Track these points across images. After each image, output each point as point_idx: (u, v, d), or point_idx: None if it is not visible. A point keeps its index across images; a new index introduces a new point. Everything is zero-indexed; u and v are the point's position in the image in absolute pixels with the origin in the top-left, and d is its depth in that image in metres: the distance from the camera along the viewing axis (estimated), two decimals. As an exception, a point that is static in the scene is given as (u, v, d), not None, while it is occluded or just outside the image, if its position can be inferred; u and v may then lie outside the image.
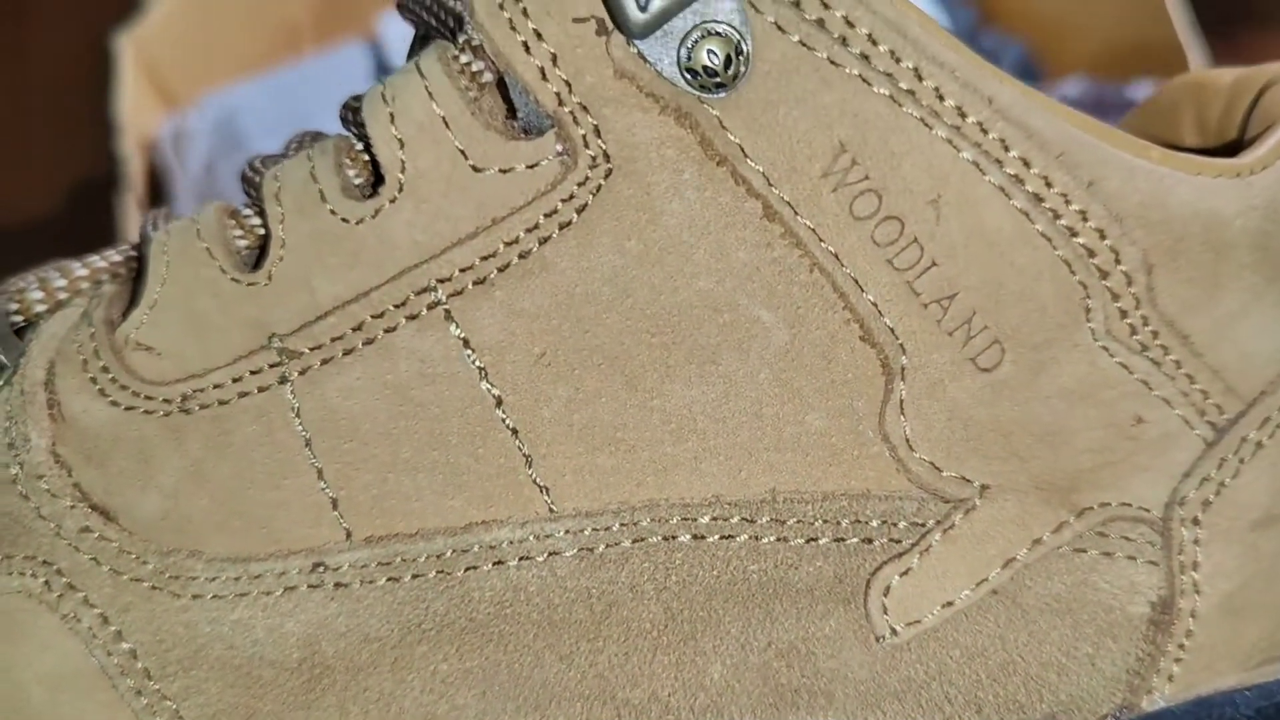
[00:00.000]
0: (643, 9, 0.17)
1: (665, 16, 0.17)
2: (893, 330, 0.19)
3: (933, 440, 0.19)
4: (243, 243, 0.21)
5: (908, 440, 0.19)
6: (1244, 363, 0.20)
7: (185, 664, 0.19)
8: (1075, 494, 0.20)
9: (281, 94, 0.44)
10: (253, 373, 0.20)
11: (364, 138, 0.20)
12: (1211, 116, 0.23)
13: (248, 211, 0.21)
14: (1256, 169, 0.20)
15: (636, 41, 0.18)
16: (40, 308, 0.22)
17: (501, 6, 0.18)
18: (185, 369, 0.20)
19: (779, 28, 0.18)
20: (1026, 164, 0.18)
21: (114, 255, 0.23)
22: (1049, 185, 0.18)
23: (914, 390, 0.19)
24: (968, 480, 0.19)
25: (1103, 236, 0.19)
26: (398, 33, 0.44)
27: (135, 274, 0.23)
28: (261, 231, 0.21)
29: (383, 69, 0.44)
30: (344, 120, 0.21)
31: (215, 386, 0.20)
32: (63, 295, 0.22)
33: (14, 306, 0.22)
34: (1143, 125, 0.25)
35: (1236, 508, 0.20)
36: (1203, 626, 0.20)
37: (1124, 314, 0.19)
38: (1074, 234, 0.19)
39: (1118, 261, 0.19)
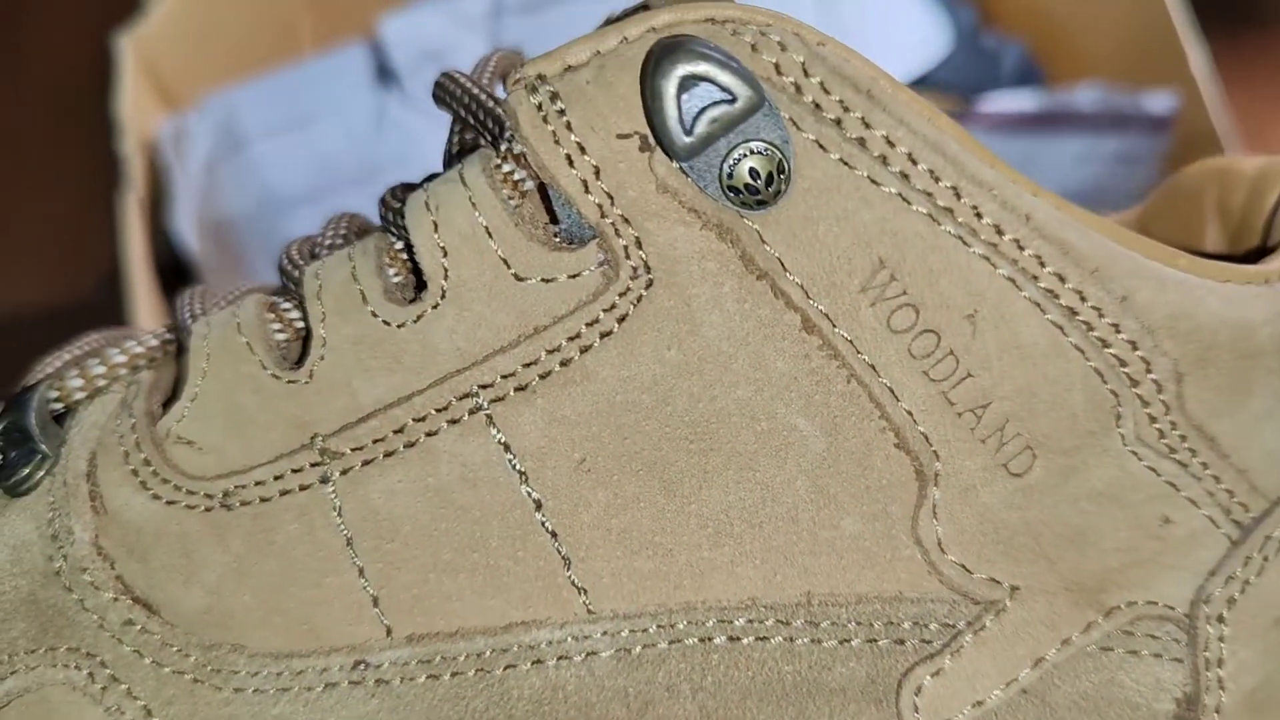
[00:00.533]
0: (688, 133, 0.18)
1: (709, 141, 0.18)
2: (927, 438, 0.19)
3: (964, 543, 0.20)
4: (281, 336, 0.21)
5: (940, 543, 0.19)
6: (1269, 462, 0.20)
7: (228, 758, 0.20)
8: (1103, 594, 0.20)
9: (282, 94, 0.43)
10: (294, 471, 0.20)
11: (405, 239, 0.20)
12: (1235, 203, 0.24)
13: (286, 305, 0.21)
14: (1284, 275, 0.20)
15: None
16: (79, 395, 0.22)
17: (546, 120, 0.19)
18: (227, 465, 0.20)
19: (820, 146, 0.18)
20: (1061, 279, 0.19)
21: (151, 340, 0.23)
22: (1083, 299, 0.19)
23: (947, 495, 0.19)
24: (998, 582, 0.20)
25: (1135, 347, 0.19)
26: (397, 34, 0.44)
27: (173, 356, 0.23)
28: (300, 325, 0.21)
29: (382, 70, 0.44)
30: (384, 218, 0.21)
31: (257, 483, 0.20)
32: (101, 382, 0.22)
33: (54, 394, 0.22)
34: (1166, 205, 0.25)
35: (1260, 605, 0.21)
36: (1226, 722, 0.20)
37: (1153, 420, 0.19)
38: (1106, 345, 0.19)
39: (1149, 371, 0.19)
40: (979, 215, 0.18)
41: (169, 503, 0.20)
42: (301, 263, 0.22)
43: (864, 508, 0.19)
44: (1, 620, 0.21)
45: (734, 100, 0.17)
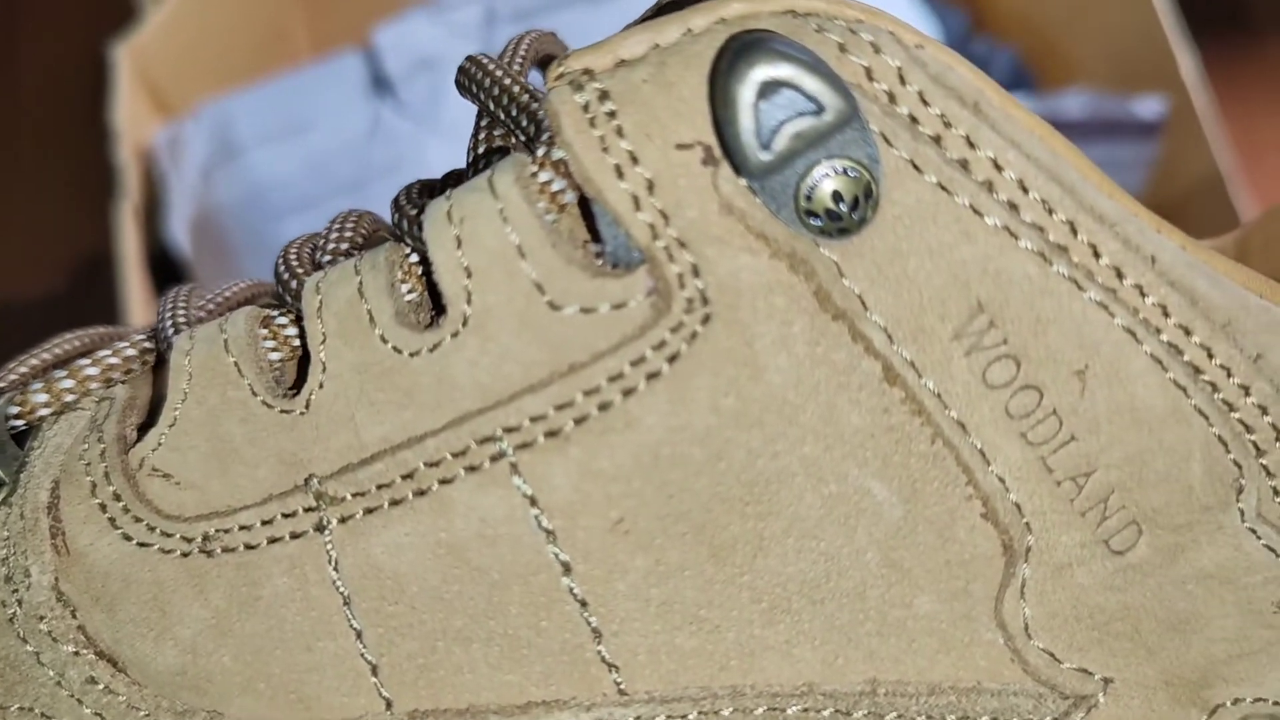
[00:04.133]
0: (765, 148, 0.15)
1: (790, 159, 0.15)
2: (1019, 508, 0.17)
3: (1054, 628, 0.17)
4: (275, 355, 0.18)
5: (1026, 627, 0.17)
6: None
7: (200, 840, 0.17)
8: (1207, 689, 0.18)
9: (277, 102, 0.43)
10: (285, 515, 0.17)
11: (422, 252, 0.18)
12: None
13: (282, 320, 0.19)
14: None
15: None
16: (45, 411, 0.19)
17: (593, 123, 0.16)
18: (208, 504, 0.18)
19: (914, 167, 0.16)
20: (1187, 332, 0.16)
21: (128, 349, 0.20)
22: (1210, 356, 0.16)
23: (1038, 573, 0.17)
24: (1089, 673, 0.17)
25: (1264, 412, 0.16)
26: (391, 42, 0.44)
27: (153, 368, 0.20)
28: (298, 344, 0.19)
29: (377, 78, 0.44)
30: (397, 224, 0.18)
31: (242, 528, 0.18)
32: (69, 398, 0.19)
33: (15, 410, 0.19)
34: (1268, 234, 0.22)
35: (1380, 703, 0.18)
36: (1337, 835, 0.18)
37: (1276, 493, 0.17)
38: (1232, 409, 0.16)
39: (1278, 439, 0.17)
40: (1097, 255, 0.16)
41: (141, 545, 0.18)
42: (300, 270, 0.19)
43: (942, 585, 0.17)
44: (-55, 672, 0.18)
45: (821, 111, 0.15)
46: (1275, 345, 0.16)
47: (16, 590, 0.18)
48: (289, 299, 0.19)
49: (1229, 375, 0.16)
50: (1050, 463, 0.16)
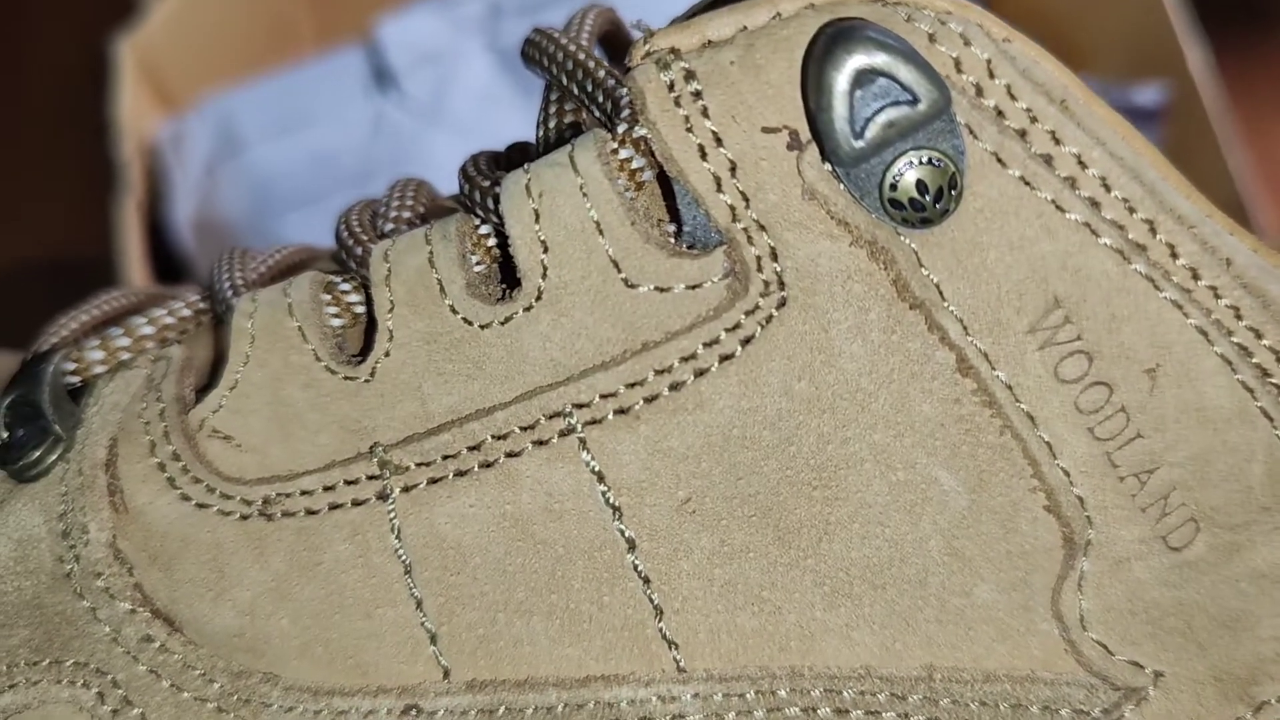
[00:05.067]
0: (858, 136, 0.15)
1: (882, 146, 0.15)
2: (1082, 502, 0.17)
3: (1109, 621, 0.17)
4: (337, 322, 0.18)
5: (1082, 619, 0.17)
6: None
7: (252, 801, 0.17)
8: (1254, 686, 0.18)
9: (279, 97, 0.43)
10: (348, 483, 0.17)
11: (494, 224, 0.17)
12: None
13: (345, 286, 0.19)
14: None
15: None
16: (100, 369, 0.19)
17: (678, 102, 0.16)
18: (269, 468, 0.18)
19: (999, 160, 0.16)
20: (1258, 335, 0.16)
21: (182, 310, 0.20)
22: (1279, 360, 0.16)
23: (1096, 567, 0.17)
24: (1140, 666, 0.17)
25: (1327, 417, 0.17)
26: (394, 36, 0.44)
27: (208, 328, 0.20)
28: (360, 310, 0.19)
29: (380, 73, 0.44)
30: (467, 196, 0.18)
31: (303, 493, 0.18)
32: (125, 355, 0.19)
33: (71, 366, 0.19)
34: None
35: None
36: (1370, 833, 0.18)
37: (1331, 496, 0.17)
38: (1296, 412, 0.17)
39: (1338, 444, 0.17)
40: (1175, 255, 0.16)
41: (200, 505, 0.18)
42: (364, 237, 0.19)
43: (1002, 575, 0.17)
44: (1, 625, 0.18)
45: (915, 102, 0.15)
46: (1343, 351, 0.16)
47: (74, 546, 0.18)
48: (353, 265, 0.19)
49: (1296, 378, 0.16)
50: (1115, 458, 0.17)
